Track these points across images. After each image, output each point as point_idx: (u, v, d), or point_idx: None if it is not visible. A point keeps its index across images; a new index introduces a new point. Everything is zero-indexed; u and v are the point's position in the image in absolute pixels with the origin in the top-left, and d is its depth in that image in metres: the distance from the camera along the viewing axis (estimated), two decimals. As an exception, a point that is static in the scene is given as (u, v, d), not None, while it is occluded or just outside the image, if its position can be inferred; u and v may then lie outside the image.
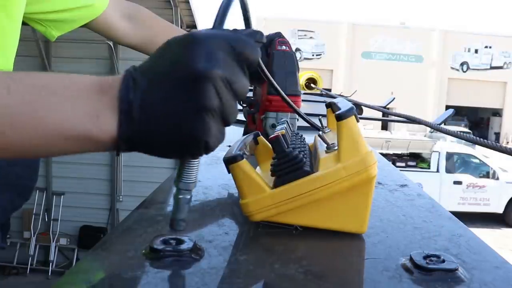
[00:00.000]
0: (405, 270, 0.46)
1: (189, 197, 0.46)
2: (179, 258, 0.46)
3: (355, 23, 24.53)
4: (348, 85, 21.40)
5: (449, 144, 11.37)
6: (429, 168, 10.38)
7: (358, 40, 23.94)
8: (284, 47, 1.05)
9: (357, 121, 0.53)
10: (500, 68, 24.76)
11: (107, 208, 6.14)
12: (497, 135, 25.33)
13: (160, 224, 0.56)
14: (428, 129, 3.62)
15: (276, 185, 0.54)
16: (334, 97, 2.65)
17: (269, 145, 0.64)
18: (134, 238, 0.52)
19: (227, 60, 0.40)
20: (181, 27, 5.39)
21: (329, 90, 5.20)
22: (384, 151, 10.19)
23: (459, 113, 24.36)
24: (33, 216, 6.00)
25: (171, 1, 5.60)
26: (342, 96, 3.27)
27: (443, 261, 0.46)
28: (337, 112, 0.53)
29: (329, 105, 0.73)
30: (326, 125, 0.78)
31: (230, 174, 0.55)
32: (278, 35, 1.08)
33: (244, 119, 1.16)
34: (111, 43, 5.41)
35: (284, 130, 0.59)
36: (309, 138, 0.79)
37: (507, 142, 22.97)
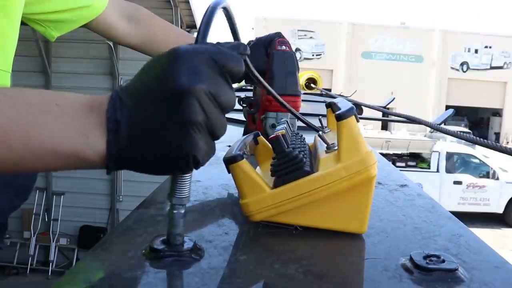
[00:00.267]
0: (405, 270, 0.46)
1: (183, 211, 0.46)
2: (179, 258, 0.46)
3: (355, 23, 24.53)
4: (348, 85, 21.41)
5: (449, 144, 11.37)
6: (429, 168, 10.38)
7: (358, 40, 23.94)
8: (284, 47, 1.05)
9: (357, 121, 0.53)
10: (500, 68, 24.77)
11: (107, 208, 6.14)
12: (497, 135, 25.34)
13: (160, 224, 0.56)
14: (428, 129, 3.62)
15: (276, 185, 0.54)
16: (334, 97, 2.65)
17: (269, 145, 0.64)
18: (134, 238, 0.52)
19: (210, 74, 0.41)
20: (181, 27, 5.40)
21: (329, 90, 5.20)
22: (384, 151, 10.19)
23: (459, 113, 24.37)
24: (33, 216, 6.00)
25: (171, 1, 5.60)
26: (342, 96, 3.27)
27: (443, 261, 0.46)
28: (337, 112, 0.53)
29: (329, 105, 0.73)
30: (326, 125, 0.78)
31: (230, 174, 0.55)
32: (278, 35, 1.08)
33: (244, 119, 1.16)
34: (111, 43, 5.41)
35: (284, 130, 0.59)
36: (309, 138, 0.79)
37: (507, 142, 22.97)
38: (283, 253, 0.50)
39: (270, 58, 1.06)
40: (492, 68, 24.76)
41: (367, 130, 12.42)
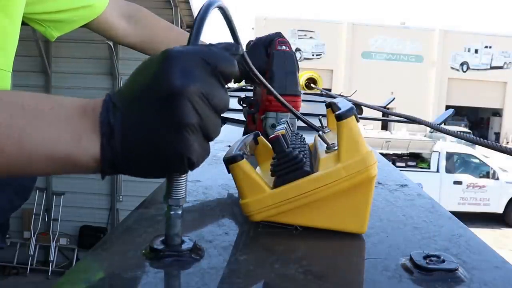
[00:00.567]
0: (405, 270, 0.46)
1: (180, 212, 0.46)
2: (179, 258, 0.46)
3: (355, 23, 24.53)
4: (348, 85, 21.41)
5: (449, 144, 11.37)
6: (429, 168, 10.38)
7: (358, 40, 23.94)
8: (284, 47, 1.05)
9: (357, 121, 0.53)
10: (500, 68, 24.77)
11: (107, 208, 6.14)
12: (497, 135, 25.33)
13: (160, 224, 0.56)
14: (428, 129, 3.62)
15: (276, 185, 0.54)
16: (334, 97, 2.65)
17: (269, 145, 0.64)
18: (134, 238, 0.52)
19: (203, 75, 0.40)
20: (181, 27, 5.40)
21: (329, 90, 5.20)
22: (384, 151, 10.19)
23: (459, 113, 24.38)
24: (33, 216, 6.00)
25: (171, 1, 5.60)
26: (342, 96, 3.27)
27: (443, 261, 0.46)
28: (337, 112, 0.53)
29: (329, 105, 0.73)
30: (326, 125, 0.78)
31: (230, 174, 0.55)
32: (278, 35, 1.08)
33: (244, 119, 1.16)
34: (111, 43, 5.42)
35: (284, 130, 0.59)
36: (309, 138, 0.79)
37: (507, 142, 22.96)
38: (283, 253, 0.50)
39: (270, 58, 1.06)
40: (492, 68, 24.75)
41: (367, 130, 12.42)
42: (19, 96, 0.42)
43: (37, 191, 5.95)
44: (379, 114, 2.30)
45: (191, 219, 0.60)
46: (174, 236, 0.47)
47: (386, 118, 2.07)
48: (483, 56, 24.71)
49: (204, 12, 0.45)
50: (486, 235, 8.98)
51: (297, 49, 22.87)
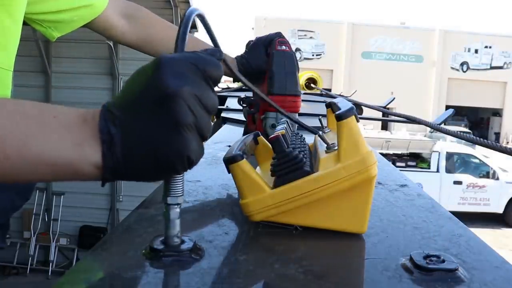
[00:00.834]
0: (405, 270, 0.46)
1: (178, 210, 0.47)
2: (179, 258, 0.46)
3: (355, 23, 24.52)
4: (348, 85, 21.42)
5: (449, 144, 11.36)
6: (429, 168, 10.38)
7: (358, 40, 23.94)
8: (284, 47, 1.05)
9: (357, 121, 0.53)
10: (500, 68, 24.77)
11: (107, 208, 6.14)
12: (497, 135, 25.33)
13: (160, 224, 0.56)
14: (428, 129, 3.62)
15: (276, 185, 0.54)
16: (334, 97, 2.65)
17: (269, 145, 0.64)
18: (134, 238, 0.52)
19: (194, 78, 0.42)
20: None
21: (329, 90, 5.20)
22: (384, 151, 10.19)
23: (459, 113, 24.36)
24: (33, 216, 6.00)
25: (171, 1, 5.60)
26: (342, 96, 3.27)
27: (443, 261, 0.46)
28: (337, 112, 0.53)
29: (329, 105, 0.73)
30: (326, 125, 0.78)
31: (230, 174, 0.55)
32: (278, 35, 1.08)
33: (244, 119, 1.16)
34: (111, 43, 5.42)
35: (284, 130, 0.59)
36: (309, 138, 0.79)
37: (507, 142, 22.97)
38: (283, 253, 0.50)
39: (270, 58, 1.06)
40: (492, 68, 24.75)
41: (367, 130, 12.42)
42: (22, 105, 0.43)
43: (37, 191, 5.95)
44: (379, 114, 2.30)
45: (191, 219, 0.60)
46: (174, 237, 0.47)
47: (386, 118, 2.07)
48: (483, 56, 24.70)
49: (186, 21, 0.47)
50: (486, 235, 8.98)
51: (297, 49, 22.87)
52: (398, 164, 9.85)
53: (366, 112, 2.50)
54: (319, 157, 0.59)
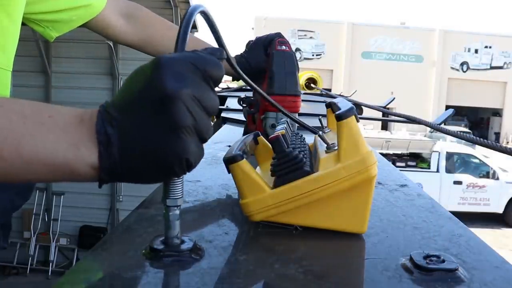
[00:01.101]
0: (405, 270, 0.45)
1: (178, 212, 0.47)
2: (179, 258, 0.46)
3: (355, 23, 24.53)
4: (348, 85, 21.42)
5: (449, 144, 11.36)
6: (429, 168, 10.38)
7: (358, 40, 23.94)
8: (284, 47, 1.05)
9: (357, 121, 0.53)
10: (500, 68, 24.77)
11: (107, 208, 6.14)
12: (497, 135, 25.33)
13: (160, 224, 0.56)
14: (428, 129, 3.62)
15: (276, 185, 0.54)
16: (334, 97, 2.65)
17: (269, 145, 0.64)
18: (134, 238, 0.52)
19: (194, 79, 0.41)
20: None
21: (329, 90, 5.20)
22: (384, 151, 10.19)
23: (459, 113, 24.37)
24: (33, 216, 6.00)
25: (171, 1, 5.60)
26: (342, 96, 3.27)
27: (443, 261, 0.46)
28: (337, 112, 0.53)
29: (329, 105, 0.73)
30: (326, 125, 0.78)
31: (230, 174, 0.55)
32: (278, 35, 1.08)
33: (244, 119, 1.16)
34: (111, 43, 5.42)
35: (284, 130, 0.59)
36: (309, 138, 0.78)
37: (507, 142, 22.97)
38: (283, 253, 0.50)
39: (270, 58, 1.06)
40: (492, 68, 24.75)
41: (367, 130, 12.42)
42: (19, 104, 0.42)
43: (37, 191, 5.95)
44: (379, 114, 2.30)
45: (191, 219, 0.60)
46: (174, 238, 0.47)
47: (386, 118, 2.07)
48: (483, 56, 24.70)
49: (188, 19, 0.46)
50: (486, 235, 8.98)
51: (297, 49, 22.87)
52: (398, 164, 9.86)
53: (366, 112, 2.50)
54: (319, 157, 0.59)
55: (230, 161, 0.54)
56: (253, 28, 23.86)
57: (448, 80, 24.54)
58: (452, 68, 24.63)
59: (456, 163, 10.61)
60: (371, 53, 24.34)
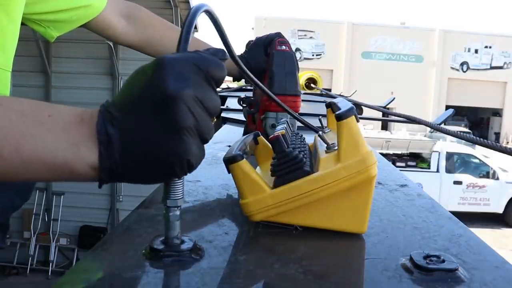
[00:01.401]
0: (405, 270, 0.45)
1: (178, 213, 0.47)
2: (179, 258, 0.46)
3: (355, 23, 24.53)
4: (348, 85, 21.42)
5: (449, 144, 11.36)
6: (429, 168, 10.38)
7: (358, 40, 23.94)
8: (284, 47, 1.05)
9: (357, 121, 0.53)
10: (500, 68, 24.77)
11: (107, 208, 6.14)
12: (497, 135, 25.33)
13: (160, 224, 0.56)
14: (428, 129, 3.62)
15: (276, 185, 0.54)
16: (334, 97, 2.65)
17: (269, 145, 0.64)
18: (134, 238, 0.52)
19: (196, 80, 0.41)
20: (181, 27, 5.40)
21: (329, 90, 5.20)
22: (384, 151, 10.19)
23: (459, 113, 24.38)
24: (33, 216, 6.00)
25: (171, 1, 5.60)
26: (342, 96, 3.27)
27: (443, 261, 0.46)
28: (337, 112, 0.53)
29: (329, 105, 0.73)
30: (326, 125, 0.78)
31: (230, 174, 0.55)
32: (278, 35, 1.08)
33: (244, 119, 1.16)
34: (111, 43, 5.42)
35: (284, 130, 0.59)
36: (309, 138, 0.79)
37: (507, 142, 22.97)
38: (283, 253, 0.50)
39: (270, 58, 1.06)
40: (492, 68, 24.75)
41: (367, 130, 12.43)
42: (19, 103, 0.42)
43: (37, 191, 5.95)
44: (379, 114, 2.30)
45: (191, 219, 0.60)
46: (174, 239, 0.47)
47: (386, 118, 2.07)
48: (483, 56, 24.71)
49: (191, 19, 0.45)
50: (486, 235, 8.98)
51: (297, 49, 22.88)
52: (398, 164, 9.86)
53: (366, 112, 2.50)
54: (319, 157, 0.59)
55: (230, 161, 0.54)
56: (253, 28, 23.87)
57: (448, 80, 24.54)
58: (452, 68, 24.64)
59: (456, 163, 10.61)
60: (371, 53, 24.34)
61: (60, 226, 6.08)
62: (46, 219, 6.12)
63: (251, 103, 1.10)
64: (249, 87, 2.83)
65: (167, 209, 0.46)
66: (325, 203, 0.54)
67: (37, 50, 5.68)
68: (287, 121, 0.75)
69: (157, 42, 1.07)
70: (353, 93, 4.10)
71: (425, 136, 12.77)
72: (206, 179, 0.79)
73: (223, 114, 1.79)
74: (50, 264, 6.01)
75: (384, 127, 18.25)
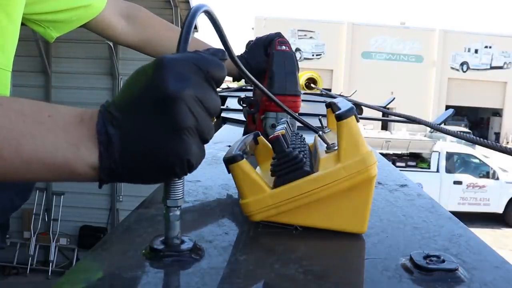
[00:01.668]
0: (405, 270, 0.46)
1: (178, 213, 0.47)
2: (179, 258, 0.46)
3: (355, 23, 24.53)
4: (348, 85, 21.43)
5: (449, 144, 11.36)
6: (429, 168, 10.38)
7: (358, 40, 23.94)
8: (284, 47, 1.05)
9: (357, 121, 0.53)
10: (500, 68, 24.77)
11: (107, 208, 6.14)
12: (497, 135, 25.33)
13: (160, 224, 0.56)
14: (428, 129, 3.62)
15: (276, 185, 0.54)
16: (334, 97, 2.65)
17: (269, 145, 0.64)
18: (134, 238, 0.52)
19: (196, 80, 0.41)
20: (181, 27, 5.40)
21: (329, 90, 5.20)
22: (384, 151, 10.19)
23: (459, 113, 24.38)
24: (33, 216, 6.00)
25: (171, 1, 5.60)
26: (342, 96, 3.27)
27: (443, 261, 0.46)
28: (337, 112, 0.53)
29: (329, 105, 0.73)
30: (326, 125, 0.78)
31: (230, 174, 0.55)
32: (278, 35, 1.08)
33: (244, 119, 1.16)
34: (111, 43, 5.42)
35: (284, 130, 0.59)
36: (309, 138, 0.79)
37: (507, 142, 22.97)
38: (283, 253, 0.50)
39: (270, 58, 1.06)
40: (492, 68, 24.76)
41: (367, 130, 12.43)
42: (19, 103, 0.42)
43: (37, 191, 5.95)
44: (379, 114, 2.30)
45: (191, 219, 0.60)
46: (174, 239, 0.47)
47: (386, 118, 2.07)
48: (483, 56, 24.71)
49: (190, 19, 0.45)
50: (486, 235, 8.98)
51: (297, 49, 22.88)
52: (398, 164, 9.86)
53: (366, 112, 2.50)
54: (319, 157, 0.59)
55: (230, 161, 0.54)
56: (253, 28, 23.87)
57: (448, 80, 24.55)
58: (452, 68, 24.64)
59: (456, 163, 10.61)
60: (371, 53, 24.35)
61: (60, 226, 6.08)
62: (46, 219, 6.12)
63: (251, 103, 1.10)
64: (249, 87, 2.84)
65: (167, 209, 0.46)
66: (325, 203, 0.54)
67: (37, 50, 5.68)
68: (287, 121, 0.75)
69: (157, 42, 1.07)
70: (353, 93, 4.10)
71: (425, 136, 12.77)
72: (206, 179, 0.79)
73: (223, 114, 1.79)
74: (50, 264, 6.01)
75: (384, 127, 18.25)
